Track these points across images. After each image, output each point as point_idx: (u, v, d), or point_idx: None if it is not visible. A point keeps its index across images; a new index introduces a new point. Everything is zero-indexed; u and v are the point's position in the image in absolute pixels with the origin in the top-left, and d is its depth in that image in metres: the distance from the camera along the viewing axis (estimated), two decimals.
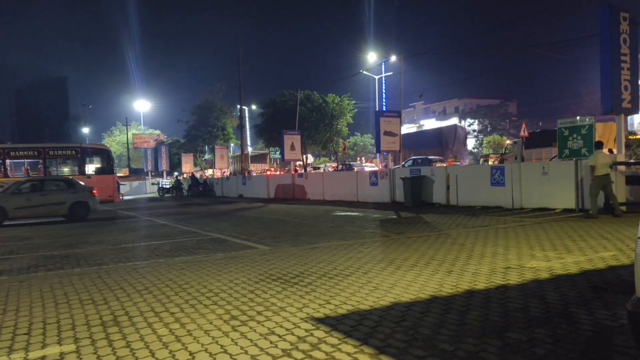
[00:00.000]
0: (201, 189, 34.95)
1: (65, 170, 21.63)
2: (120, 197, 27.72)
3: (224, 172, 42.67)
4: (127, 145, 64.77)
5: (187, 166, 43.41)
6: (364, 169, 33.15)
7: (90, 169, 21.55)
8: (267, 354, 3.54)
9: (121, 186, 33.88)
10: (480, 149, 57.90)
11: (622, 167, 11.72)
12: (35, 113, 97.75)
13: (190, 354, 3.61)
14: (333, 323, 4.15)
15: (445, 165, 23.89)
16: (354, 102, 40.53)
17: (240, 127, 39.75)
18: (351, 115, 39.53)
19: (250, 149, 64.19)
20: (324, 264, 6.81)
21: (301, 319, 4.32)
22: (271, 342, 3.76)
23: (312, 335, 3.89)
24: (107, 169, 21.56)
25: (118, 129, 78.44)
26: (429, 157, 31.31)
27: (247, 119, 63.20)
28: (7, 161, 20.07)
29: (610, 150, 17.53)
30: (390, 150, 19.44)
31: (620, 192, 11.52)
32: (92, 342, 3.94)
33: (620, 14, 11.56)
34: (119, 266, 7.36)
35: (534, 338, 3.59)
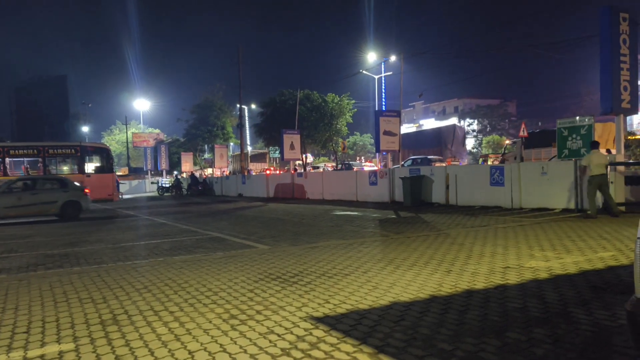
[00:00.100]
0: (201, 188, 34.95)
1: (65, 168, 21.61)
2: (120, 196, 27.70)
3: (224, 171, 42.67)
4: (127, 144, 64.73)
5: (187, 165, 43.40)
6: (363, 168, 33.14)
7: (89, 167, 21.53)
8: (267, 353, 3.54)
9: (121, 185, 33.84)
10: (479, 148, 57.91)
11: (621, 168, 11.73)
12: (35, 111, 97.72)
13: (190, 352, 3.61)
14: (332, 322, 4.15)
15: (444, 165, 23.90)
16: (353, 101, 40.56)
17: (240, 126, 39.74)
18: (351, 114, 39.54)
19: (249, 148, 64.19)
20: (323, 263, 6.81)
21: (300, 318, 4.32)
22: (270, 341, 3.76)
23: (311, 334, 3.89)
24: (106, 167, 21.54)
25: (118, 128, 78.39)
26: (428, 157, 31.31)
27: (246, 118, 63.20)
28: (7, 160, 20.05)
29: (609, 151, 17.55)
30: (390, 149, 19.44)
31: (620, 192, 11.53)
32: (91, 341, 3.94)
33: (620, 14, 11.56)
34: (119, 265, 7.36)
35: (533, 338, 3.59)
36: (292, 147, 25.34)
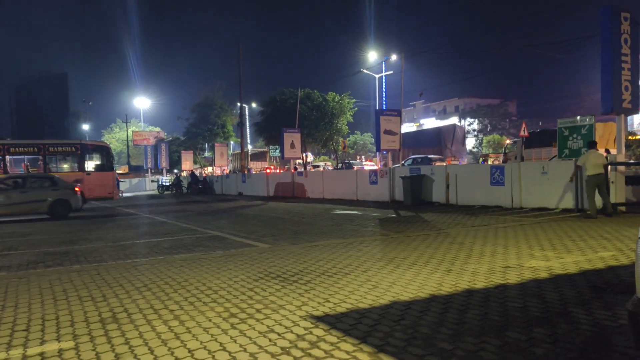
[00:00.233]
0: (201, 186, 34.95)
1: (65, 166, 21.58)
2: (120, 194, 27.69)
3: (224, 169, 42.67)
4: (127, 143, 64.74)
5: (187, 164, 43.39)
6: (363, 167, 33.15)
7: (89, 165, 21.51)
8: (266, 351, 3.53)
9: (121, 183, 33.83)
10: (480, 148, 57.90)
11: (622, 168, 11.72)
12: (35, 110, 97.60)
13: (189, 351, 3.61)
14: (332, 321, 4.15)
15: (445, 164, 23.89)
16: (354, 100, 40.54)
17: (240, 125, 39.74)
18: (351, 113, 39.53)
19: (250, 147, 64.20)
20: (323, 262, 6.81)
21: (300, 317, 4.32)
22: (270, 340, 3.76)
23: (311, 333, 3.89)
24: (106, 166, 21.52)
25: (118, 126, 78.42)
26: (429, 156, 31.30)
27: (247, 116, 63.16)
28: (7, 157, 20.03)
29: (608, 151, 17.55)
30: (390, 149, 19.43)
31: (620, 192, 11.52)
32: (91, 339, 3.94)
33: (622, 14, 11.55)
34: (118, 263, 7.36)
35: (533, 337, 3.59)
36: (292, 146, 25.33)
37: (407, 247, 7.83)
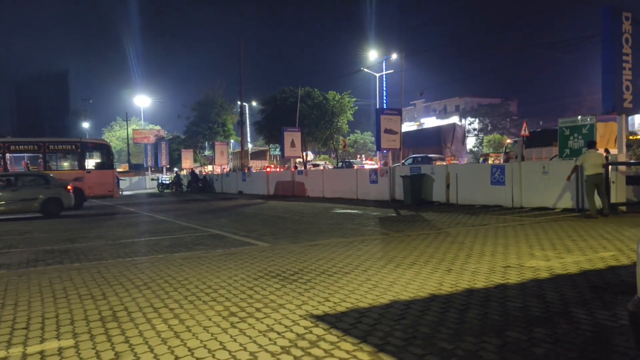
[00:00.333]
0: (201, 185, 34.95)
1: (65, 164, 21.57)
2: (120, 193, 27.69)
3: (224, 168, 42.66)
4: (127, 141, 64.69)
5: (187, 162, 43.41)
6: (363, 166, 33.14)
7: (90, 163, 21.50)
8: (266, 350, 3.53)
9: (121, 181, 33.85)
10: (480, 147, 57.89)
11: (623, 167, 11.71)
12: (35, 107, 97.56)
13: (189, 350, 3.60)
14: (332, 320, 4.15)
15: (445, 163, 23.89)
16: (354, 99, 40.54)
17: (241, 124, 39.73)
18: (352, 112, 39.52)
19: (250, 146, 64.19)
20: (323, 261, 6.80)
21: (300, 316, 4.31)
22: (270, 339, 3.76)
23: (311, 332, 3.88)
24: (107, 164, 21.52)
25: (118, 124, 78.35)
26: (429, 155, 31.29)
27: (247, 115, 63.13)
28: (7, 155, 20.03)
29: (607, 150, 17.53)
30: (391, 148, 19.42)
31: (621, 192, 11.52)
32: (91, 337, 3.93)
33: (623, 14, 11.54)
34: (118, 261, 7.35)
35: (534, 337, 3.58)
36: (292, 144, 25.32)
37: (407, 246, 7.83)
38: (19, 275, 6.56)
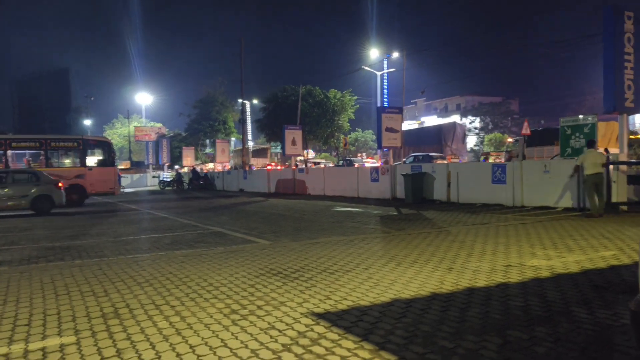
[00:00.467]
0: (202, 182, 34.97)
1: (67, 162, 21.59)
2: (121, 190, 27.70)
3: (225, 166, 42.68)
4: (129, 138, 64.75)
5: (188, 160, 43.42)
6: (364, 165, 33.12)
7: (91, 161, 21.50)
8: (267, 348, 3.54)
9: (122, 179, 33.87)
10: (481, 146, 57.84)
11: (624, 167, 11.70)
12: (36, 105, 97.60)
13: (191, 347, 3.61)
14: (333, 318, 4.15)
15: (446, 162, 23.88)
16: (355, 97, 40.57)
17: (242, 121, 39.71)
18: (353, 110, 39.56)
19: (251, 144, 64.15)
20: (324, 259, 6.81)
21: (301, 314, 4.32)
22: (271, 337, 3.76)
23: (312, 330, 3.89)
24: (108, 161, 21.53)
25: (120, 122, 78.38)
26: (430, 154, 31.29)
27: (248, 113, 63.09)
28: (9, 152, 20.04)
29: (607, 150, 17.51)
30: (392, 146, 19.41)
31: (622, 191, 11.51)
32: (93, 334, 3.94)
33: (625, 13, 11.52)
34: (120, 258, 7.37)
35: (535, 336, 3.59)
36: (293, 142, 25.32)
37: (408, 244, 7.83)
38: (21, 271, 6.57)
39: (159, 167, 48.44)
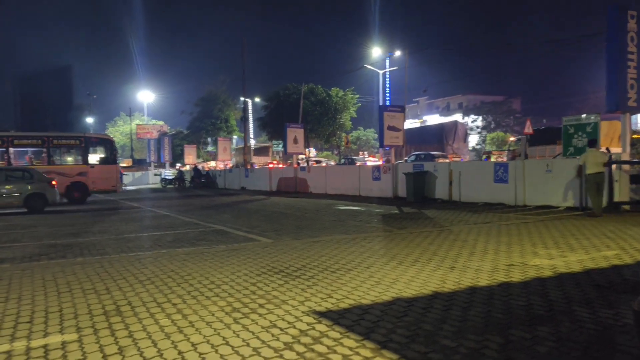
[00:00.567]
0: (203, 180, 34.98)
1: (69, 159, 21.60)
2: (123, 188, 27.73)
3: (227, 164, 42.69)
4: (131, 136, 64.80)
5: (190, 158, 43.41)
6: (366, 163, 33.09)
7: (93, 158, 21.51)
8: (269, 346, 3.54)
9: (124, 176, 33.89)
10: (483, 145, 57.76)
11: (626, 166, 11.67)
12: (39, 102, 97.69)
13: (193, 345, 3.61)
14: (335, 317, 4.15)
15: (447, 161, 23.85)
16: (357, 96, 40.54)
17: (244, 120, 39.74)
18: (355, 109, 39.55)
19: (253, 142, 64.16)
20: (325, 257, 6.81)
21: (303, 312, 4.32)
22: (273, 335, 3.76)
23: (313, 328, 3.89)
24: (110, 159, 21.55)
25: (122, 120, 78.47)
26: (432, 153, 31.24)
27: (250, 111, 63.09)
28: (11, 150, 20.07)
29: (608, 149, 17.46)
30: (394, 145, 19.39)
31: (624, 191, 11.48)
32: (95, 332, 3.95)
33: (628, 12, 11.48)
34: (122, 256, 7.37)
35: (537, 336, 3.58)
36: (295, 141, 25.31)
37: (410, 243, 7.83)
38: (23, 269, 6.58)
39: (160, 165, 48.48)
